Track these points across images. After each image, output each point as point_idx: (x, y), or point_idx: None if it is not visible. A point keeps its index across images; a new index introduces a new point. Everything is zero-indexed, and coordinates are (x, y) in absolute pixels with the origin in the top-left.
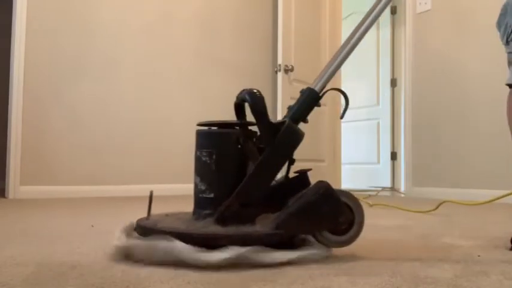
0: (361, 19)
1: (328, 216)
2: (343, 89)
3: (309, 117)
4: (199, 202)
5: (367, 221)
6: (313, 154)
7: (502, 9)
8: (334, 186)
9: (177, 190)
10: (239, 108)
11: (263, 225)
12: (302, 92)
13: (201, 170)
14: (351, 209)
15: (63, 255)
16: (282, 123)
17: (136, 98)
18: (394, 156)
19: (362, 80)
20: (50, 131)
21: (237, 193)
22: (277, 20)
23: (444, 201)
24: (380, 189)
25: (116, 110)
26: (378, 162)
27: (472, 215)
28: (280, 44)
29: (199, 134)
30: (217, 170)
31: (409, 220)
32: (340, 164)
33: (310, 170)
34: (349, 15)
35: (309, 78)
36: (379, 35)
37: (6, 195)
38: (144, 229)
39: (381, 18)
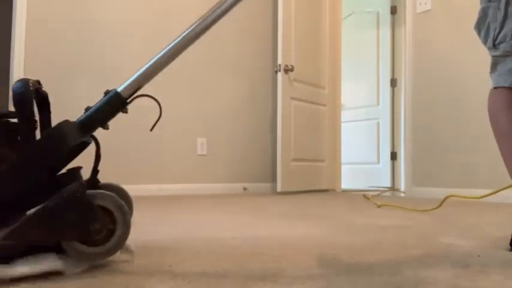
0: (361, 19)
1: (76, 224)
2: (343, 89)
3: (309, 117)
4: None
5: (368, 221)
6: (313, 154)
7: (479, 13)
8: (334, 186)
9: (177, 190)
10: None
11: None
12: (106, 93)
13: None
14: (111, 214)
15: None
16: (65, 122)
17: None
18: (394, 156)
19: (362, 80)
20: None
21: None
22: (277, 20)
23: (448, 196)
24: (385, 189)
25: None
26: (378, 162)
27: (472, 215)
28: (280, 44)
29: None
30: None
31: (409, 220)
32: (340, 164)
33: (81, 168)
34: (349, 15)
35: (309, 78)
36: (379, 35)
37: None
38: None
39: (381, 18)
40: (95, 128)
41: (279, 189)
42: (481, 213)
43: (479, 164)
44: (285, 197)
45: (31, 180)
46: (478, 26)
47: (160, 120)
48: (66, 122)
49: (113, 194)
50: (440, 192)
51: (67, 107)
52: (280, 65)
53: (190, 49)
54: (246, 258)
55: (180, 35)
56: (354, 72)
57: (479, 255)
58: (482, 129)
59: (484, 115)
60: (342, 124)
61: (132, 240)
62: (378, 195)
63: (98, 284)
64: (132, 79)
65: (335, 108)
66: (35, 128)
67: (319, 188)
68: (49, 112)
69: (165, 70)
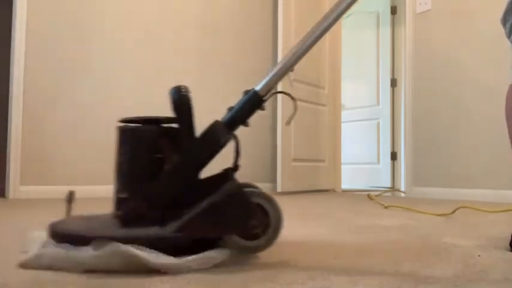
0: (361, 19)
1: (236, 219)
2: (343, 89)
3: (309, 117)
4: (116, 202)
5: (368, 221)
6: (313, 154)
7: (508, 5)
8: (334, 186)
9: None
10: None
11: (167, 227)
12: (245, 92)
13: (117, 168)
14: (266, 212)
15: None
16: (214, 123)
17: (137, 98)
18: (394, 156)
19: (362, 80)
20: (50, 131)
21: (144, 194)
22: (277, 20)
23: (461, 207)
24: (386, 189)
25: (116, 110)
26: (378, 162)
27: (472, 215)
28: (280, 44)
29: (117, 130)
30: (129, 169)
31: (409, 220)
32: (340, 164)
33: (237, 167)
34: (349, 15)
35: (309, 78)
36: (379, 35)
37: (6, 195)
38: (52, 231)
39: (381, 18)
40: (237, 126)
41: (279, 189)
42: (481, 213)
43: (479, 164)
44: (285, 197)
45: (191, 178)
46: (504, 18)
47: None
48: (217, 122)
49: (267, 193)
50: (440, 192)
51: (67, 107)
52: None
53: (190, 50)
54: (246, 258)
55: (308, 34)
56: (354, 72)
57: (479, 255)
58: (483, 129)
59: (484, 115)
60: (342, 124)
61: None
62: (379, 195)
63: (98, 284)
64: (267, 78)
65: (335, 108)
66: (194, 130)
67: (319, 188)
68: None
69: (165, 71)
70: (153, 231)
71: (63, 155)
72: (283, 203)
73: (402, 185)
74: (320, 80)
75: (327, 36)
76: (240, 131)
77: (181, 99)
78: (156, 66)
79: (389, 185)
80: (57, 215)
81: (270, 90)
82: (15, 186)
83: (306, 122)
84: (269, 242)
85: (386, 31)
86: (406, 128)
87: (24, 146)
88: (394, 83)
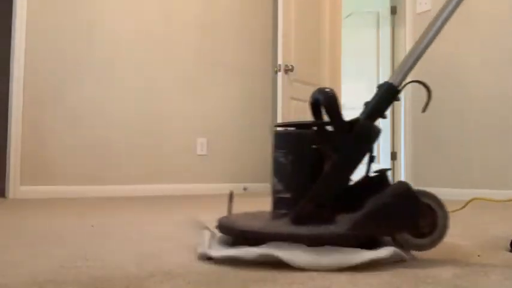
0: (361, 19)
1: (407, 218)
2: (343, 89)
3: (309, 117)
4: (276, 202)
5: None
6: None
7: None
8: None
9: (177, 190)
10: (314, 107)
11: (338, 225)
12: (379, 86)
13: (278, 170)
14: (433, 211)
15: (63, 260)
16: (356, 120)
17: (137, 98)
18: (394, 156)
19: (362, 80)
20: (50, 131)
21: (311, 193)
22: (277, 20)
23: (474, 199)
24: None
25: (115, 111)
26: (378, 162)
27: (472, 214)
28: (280, 44)
29: (276, 135)
30: (293, 171)
31: None
32: None
33: (389, 169)
34: (349, 15)
35: (309, 78)
36: (379, 35)
37: (6, 195)
38: (224, 227)
39: (381, 18)
40: (376, 119)
41: None
42: (481, 213)
43: (479, 164)
44: None
45: (349, 176)
46: None
47: (160, 120)
48: (363, 119)
49: (432, 193)
50: (440, 192)
51: (67, 107)
52: (280, 65)
53: (191, 50)
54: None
55: (434, 21)
56: (354, 72)
57: (479, 255)
58: (483, 129)
59: (484, 115)
60: None
61: (132, 240)
62: None
63: (98, 285)
64: (399, 69)
65: None
66: (348, 129)
67: None
68: (321, 114)
69: (165, 71)
70: (331, 229)
71: (63, 155)
72: None
73: None
74: (320, 80)
75: (327, 36)
76: (240, 131)
77: (332, 101)
78: (156, 66)
79: None
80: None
81: (403, 81)
82: (15, 186)
83: None
84: (436, 241)
85: (386, 31)
86: (406, 128)
87: (24, 146)
88: None
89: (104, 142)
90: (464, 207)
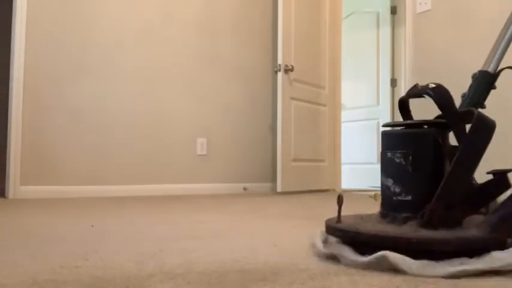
0: (361, 19)
1: None
2: (343, 89)
3: (309, 117)
4: (394, 205)
5: None
6: (313, 154)
7: None
8: (334, 185)
9: (177, 190)
10: (403, 104)
11: (475, 228)
12: (474, 76)
13: (395, 171)
14: None
15: (63, 260)
16: (468, 112)
17: (137, 98)
18: None
19: (362, 80)
20: (50, 131)
21: (439, 195)
22: (277, 20)
23: None
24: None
25: (116, 110)
26: (378, 162)
27: None
28: (280, 44)
29: (390, 134)
30: (414, 172)
31: None
32: (340, 164)
33: (510, 170)
34: (349, 15)
35: (309, 78)
36: (379, 35)
37: (6, 195)
38: (346, 233)
39: (381, 18)
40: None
41: (279, 189)
42: None
43: (479, 164)
44: (285, 197)
45: (472, 174)
46: None
47: (160, 120)
48: (478, 111)
49: None
50: None
51: (67, 107)
52: (280, 65)
53: (191, 50)
54: (246, 258)
55: None
56: (354, 72)
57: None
58: None
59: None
60: (342, 124)
61: (132, 240)
62: (378, 195)
63: (98, 285)
64: (492, 55)
65: (335, 108)
66: (464, 124)
67: (319, 188)
68: (409, 112)
69: (165, 71)
70: (473, 233)
71: (63, 155)
72: (283, 202)
73: None
74: (320, 80)
75: (327, 36)
76: (240, 131)
77: (444, 97)
78: (156, 66)
79: None
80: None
81: (497, 67)
82: (15, 186)
83: (306, 122)
84: None
85: (386, 31)
86: None
87: (24, 146)
88: (394, 83)
89: (104, 142)
90: None
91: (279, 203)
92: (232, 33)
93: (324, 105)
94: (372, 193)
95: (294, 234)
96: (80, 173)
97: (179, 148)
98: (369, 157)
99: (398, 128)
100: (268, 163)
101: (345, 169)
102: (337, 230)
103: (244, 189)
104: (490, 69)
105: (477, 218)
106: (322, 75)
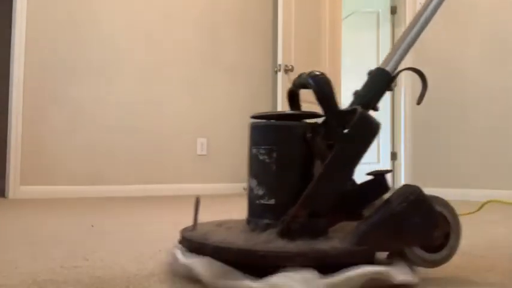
0: (361, 19)
1: (420, 229)
2: (343, 89)
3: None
4: (256, 210)
5: None
6: None
7: None
8: None
9: (177, 190)
10: (292, 96)
11: (339, 239)
12: (370, 73)
13: (258, 171)
14: (446, 220)
15: (63, 260)
16: (351, 112)
17: (137, 98)
18: (394, 156)
19: (362, 80)
20: (50, 131)
21: (304, 200)
22: (277, 20)
23: (488, 201)
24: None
25: (116, 111)
26: (378, 162)
27: (473, 214)
28: (280, 44)
29: (255, 127)
30: (278, 171)
31: None
32: None
33: (390, 171)
34: (349, 15)
35: None
36: (379, 35)
37: (6, 195)
38: (192, 243)
39: (381, 18)
40: (369, 111)
41: None
42: (481, 213)
43: (479, 164)
44: None
45: (348, 178)
46: None
47: (160, 120)
48: (362, 110)
49: (445, 199)
50: (440, 192)
51: (67, 107)
52: (280, 65)
53: (191, 50)
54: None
55: (427, 3)
56: (354, 72)
57: (479, 255)
58: (483, 129)
59: (484, 115)
60: None
61: (132, 240)
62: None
63: (98, 285)
64: (392, 54)
65: None
66: (344, 121)
67: None
68: (299, 105)
69: (165, 71)
70: (333, 244)
71: (63, 155)
72: None
73: None
74: None
75: (327, 36)
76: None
77: (323, 88)
78: (156, 66)
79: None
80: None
81: (397, 67)
82: (15, 186)
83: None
84: (450, 255)
85: (386, 31)
86: (406, 128)
87: (24, 146)
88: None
89: (104, 142)
90: (478, 210)
91: None
92: (233, 33)
93: None
94: None
95: None
96: (80, 173)
97: (179, 148)
98: (369, 157)
99: (263, 120)
100: None
101: None
102: (185, 240)
103: (244, 189)
104: (389, 68)
105: (350, 226)
106: None
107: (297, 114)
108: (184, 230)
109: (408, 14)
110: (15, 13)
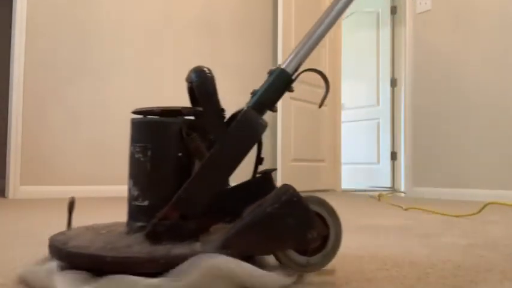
0: (361, 19)
1: (294, 231)
2: (343, 89)
3: (309, 117)
4: (132, 212)
5: (368, 221)
6: (313, 154)
7: None
8: (334, 186)
9: None
10: (192, 93)
11: (205, 243)
12: (270, 72)
13: (134, 170)
14: (324, 221)
15: None
16: (240, 111)
17: (136, 98)
18: (394, 156)
19: (362, 80)
20: (50, 130)
21: (175, 201)
22: (277, 20)
23: (488, 203)
24: (388, 189)
25: (115, 111)
26: (378, 162)
27: (474, 215)
28: (280, 44)
29: (132, 123)
30: (153, 171)
31: (409, 220)
32: (340, 164)
33: (274, 170)
34: (349, 15)
35: (309, 78)
36: (379, 35)
37: (6, 195)
38: (52, 248)
39: (381, 18)
40: (265, 111)
41: None
42: (482, 214)
43: (479, 164)
44: None
45: (226, 180)
46: None
47: None
48: (249, 109)
49: (323, 198)
50: (440, 192)
51: (67, 107)
52: (280, 65)
53: (190, 50)
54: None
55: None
56: (354, 72)
57: (479, 255)
58: (483, 129)
59: (484, 115)
60: (342, 124)
61: None
62: (384, 195)
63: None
64: (294, 54)
65: (335, 108)
66: (224, 120)
67: (319, 188)
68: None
69: (165, 71)
70: (196, 248)
71: (63, 155)
72: None
73: (402, 185)
74: (320, 80)
75: (327, 36)
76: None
77: (206, 83)
78: (156, 66)
79: (389, 185)
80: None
81: (298, 68)
82: (15, 186)
83: (306, 122)
84: (328, 258)
85: (386, 31)
86: (406, 128)
87: (24, 146)
88: (394, 83)
89: (104, 142)
90: (479, 212)
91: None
92: (232, 33)
93: (324, 105)
94: (373, 193)
95: None
96: (80, 173)
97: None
98: (369, 157)
99: (140, 116)
100: (268, 163)
101: (344, 169)
102: (49, 245)
103: None
104: (289, 69)
105: (226, 229)
106: None
107: (179, 111)
108: (54, 235)
109: (408, 14)
110: (15, 13)
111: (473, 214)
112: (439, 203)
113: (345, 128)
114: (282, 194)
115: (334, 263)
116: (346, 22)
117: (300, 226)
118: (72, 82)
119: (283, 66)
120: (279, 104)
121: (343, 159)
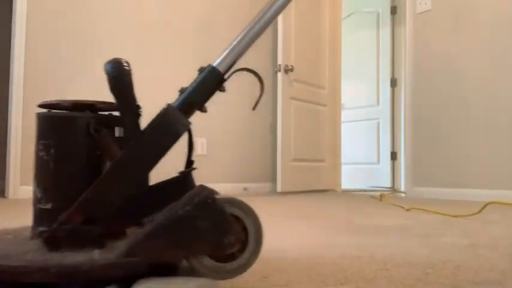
0: (361, 19)
1: (208, 236)
2: (343, 89)
3: (309, 117)
4: (36, 215)
5: (369, 222)
6: (313, 154)
7: None
8: (334, 186)
9: None
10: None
11: (113, 249)
12: (201, 70)
13: (37, 170)
14: (243, 225)
15: None
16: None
17: (136, 98)
18: (394, 156)
19: (362, 80)
20: None
21: (80, 203)
22: (277, 20)
23: (489, 203)
24: (389, 190)
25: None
26: (378, 162)
27: (473, 214)
28: (280, 44)
29: (37, 118)
30: (57, 170)
31: (409, 220)
32: (340, 164)
33: (194, 169)
34: (349, 15)
35: (309, 78)
36: (379, 35)
37: (6, 195)
38: None
39: (381, 18)
40: (193, 111)
41: (279, 189)
42: (482, 213)
43: (479, 164)
44: (285, 197)
45: (139, 181)
46: None
47: None
48: (170, 107)
49: (241, 200)
50: (440, 192)
51: None
52: (280, 65)
53: (190, 51)
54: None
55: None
56: (354, 72)
57: (479, 255)
58: (483, 129)
59: (484, 115)
60: (342, 124)
61: None
62: (385, 195)
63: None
64: (227, 52)
65: (335, 108)
66: (139, 118)
67: (319, 188)
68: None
69: (164, 71)
70: (94, 256)
71: None
72: (283, 203)
73: (402, 185)
74: (320, 80)
75: (327, 36)
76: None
77: (121, 77)
78: (155, 67)
79: (389, 185)
80: None
81: (231, 67)
82: (15, 186)
83: (306, 122)
84: (248, 264)
85: (386, 31)
86: (406, 128)
87: (24, 146)
88: (394, 83)
89: None
90: (479, 212)
91: (278, 203)
92: (232, 33)
93: (324, 105)
94: (375, 193)
95: (293, 234)
96: None
97: (179, 148)
98: (369, 157)
99: (44, 111)
100: (268, 163)
101: (344, 169)
102: None
103: (244, 189)
104: (222, 68)
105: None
106: (322, 75)
107: (91, 105)
108: None
109: (408, 14)
110: (15, 13)
111: (474, 214)
112: (439, 203)
113: (345, 128)
114: (195, 196)
115: (335, 262)
116: (346, 22)
117: (215, 230)
118: (72, 82)
119: (214, 65)
120: (279, 104)
121: (343, 159)
